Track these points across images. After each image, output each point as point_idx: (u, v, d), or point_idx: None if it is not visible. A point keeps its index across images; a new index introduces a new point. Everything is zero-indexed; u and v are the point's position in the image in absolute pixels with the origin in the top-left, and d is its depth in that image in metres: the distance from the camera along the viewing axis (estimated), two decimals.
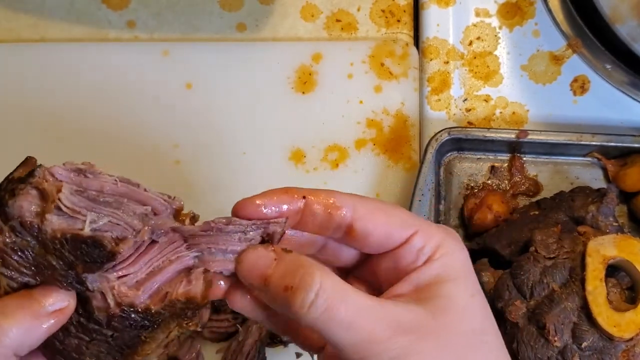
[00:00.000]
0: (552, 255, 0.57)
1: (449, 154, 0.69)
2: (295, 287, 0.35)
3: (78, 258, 0.35)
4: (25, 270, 0.36)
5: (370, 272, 0.42)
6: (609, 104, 0.72)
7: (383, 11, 0.76)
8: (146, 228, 0.37)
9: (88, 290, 0.36)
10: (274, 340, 0.64)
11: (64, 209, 0.35)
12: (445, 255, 0.39)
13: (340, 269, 0.44)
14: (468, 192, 0.69)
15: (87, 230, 0.35)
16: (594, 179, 0.69)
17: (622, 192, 0.67)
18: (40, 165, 0.36)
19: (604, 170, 0.69)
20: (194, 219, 0.40)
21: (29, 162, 0.36)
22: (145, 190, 0.38)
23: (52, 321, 0.37)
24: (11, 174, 0.36)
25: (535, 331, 0.55)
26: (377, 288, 0.41)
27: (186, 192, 0.70)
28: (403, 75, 0.73)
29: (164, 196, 0.39)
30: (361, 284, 0.43)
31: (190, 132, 0.71)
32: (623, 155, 0.68)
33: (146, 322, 0.38)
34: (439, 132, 0.67)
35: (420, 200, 0.65)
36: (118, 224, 0.36)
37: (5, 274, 0.36)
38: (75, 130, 0.71)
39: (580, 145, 0.67)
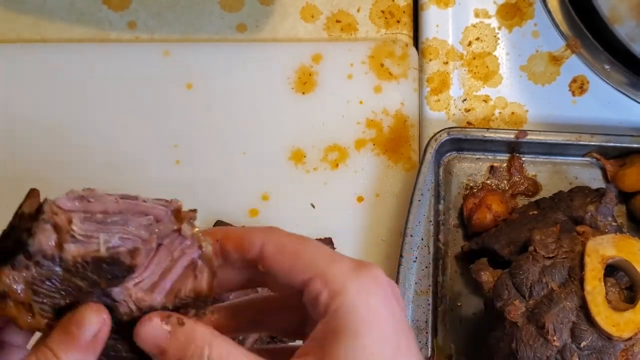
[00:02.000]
0: (551, 255, 0.57)
1: (449, 154, 0.70)
2: None
3: (101, 276, 0.38)
4: (55, 295, 0.39)
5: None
6: (607, 104, 0.72)
7: (383, 12, 0.76)
8: (153, 236, 0.40)
9: (115, 302, 0.39)
10: (274, 339, 0.64)
11: (78, 236, 0.38)
12: (344, 306, 0.33)
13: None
14: (467, 192, 0.69)
15: (103, 250, 0.38)
16: (592, 179, 0.69)
17: (620, 192, 0.67)
18: (46, 199, 0.38)
19: (603, 170, 0.69)
20: (192, 215, 0.42)
21: (33, 195, 0.39)
22: (144, 201, 0.41)
23: (97, 345, 0.38)
24: (20, 209, 0.39)
25: (534, 330, 0.55)
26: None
27: (186, 192, 0.70)
28: (403, 75, 0.73)
29: (161, 202, 0.41)
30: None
31: (190, 132, 0.72)
32: (622, 156, 0.68)
33: None
34: (439, 132, 0.67)
35: (419, 200, 0.65)
36: (128, 238, 0.39)
37: (37, 301, 0.39)
38: (75, 131, 0.71)
39: (579, 146, 0.67)
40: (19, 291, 0.39)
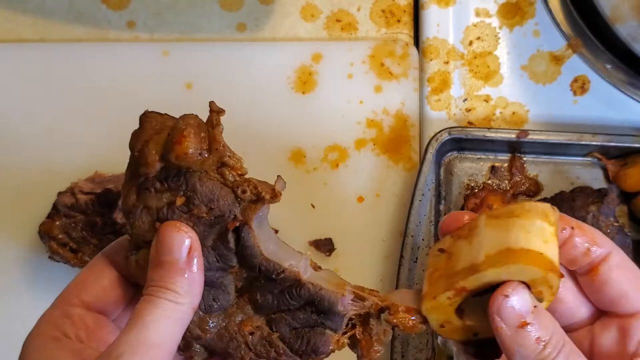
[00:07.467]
0: None
1: (449, 154, 0.69)
2: None
3: (102, 205, 0.63)
4: (82, 232, 0.63)
5: (586, 347, 0.40)
6: (609, 104, 0.72)
7: (383, 11, 0.76)
8: (133, 180, 0.55)
9: (118, 224, 0.63)
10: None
11: (85, 189, 0.65)
12: None
13: None
14: (468, 192, 0.69)
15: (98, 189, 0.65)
16: (594, 179, 0.69)
17: (622, 192, 0.67)
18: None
19: (605, 170, 0.69)
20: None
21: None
22: None
23: (196, 261, 0.38)
24: None
25: None
26: None
27: None
28: (403, 75, 0.73)
29: None
30: None
31: None
32: (623, 155, 0.68)
33: None
34: (439, 132, 0.66)
35: (420, 201, 0.65)
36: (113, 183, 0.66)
37: (72, 238, 0.63)
38: (75, 131, 0.71)
39: (581, 145, 0.67)
40: (56, 233, 0.61)
